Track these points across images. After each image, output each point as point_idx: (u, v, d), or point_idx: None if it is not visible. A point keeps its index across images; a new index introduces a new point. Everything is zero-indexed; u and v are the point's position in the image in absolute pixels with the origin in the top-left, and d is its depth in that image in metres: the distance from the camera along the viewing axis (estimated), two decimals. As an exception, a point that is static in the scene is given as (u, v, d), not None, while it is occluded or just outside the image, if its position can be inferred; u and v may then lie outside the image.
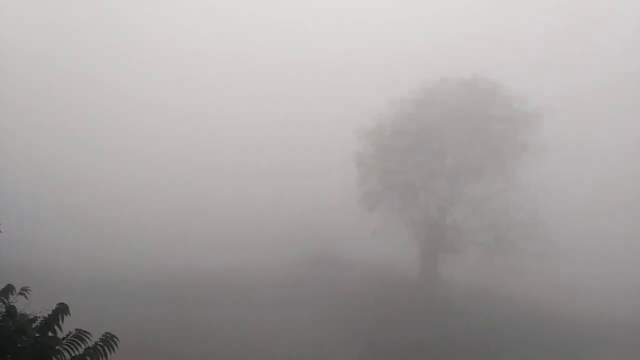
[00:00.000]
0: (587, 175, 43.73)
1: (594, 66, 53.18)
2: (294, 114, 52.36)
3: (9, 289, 11.48)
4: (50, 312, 11.08)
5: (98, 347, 10.93)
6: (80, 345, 10.86)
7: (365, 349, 34.14)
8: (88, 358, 10.75)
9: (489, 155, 39.55)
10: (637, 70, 53.03)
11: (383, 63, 49.78)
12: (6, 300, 11.25)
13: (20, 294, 11.42)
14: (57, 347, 10.66)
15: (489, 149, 39.59)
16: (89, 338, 10.95)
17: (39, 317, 11.01)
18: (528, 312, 37.63)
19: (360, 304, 38.75)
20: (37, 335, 10.82)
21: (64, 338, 10.86)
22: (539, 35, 51.51)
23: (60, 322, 11.03)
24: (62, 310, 11.11)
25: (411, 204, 40.59)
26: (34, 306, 11.11)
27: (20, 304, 11.15)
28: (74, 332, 10.93)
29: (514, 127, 39.39)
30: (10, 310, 10.96)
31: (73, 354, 10.77)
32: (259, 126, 52.91)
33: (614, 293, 38.72)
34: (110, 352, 11.05)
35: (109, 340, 11.06)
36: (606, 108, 51.43)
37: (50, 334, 10.95)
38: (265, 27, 58.21)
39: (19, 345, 10.51)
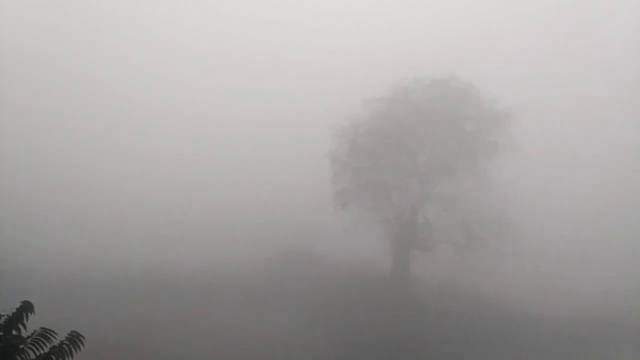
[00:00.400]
0: (558, 175, 44.47)
1: (568, 67, 54.07)
2: (269, 111, 52.46)
3: (-28, 287, 11.26)
4: (14, 310, 10.90)
5: (64, 346, 10.79)
6: (45, 344, 10.71)
7: (337, 345, 34.33)
8: (53, 357, 10.61)
9: (461, 154, 39.98)
10: (611, 71, 54.11)
11: (358, 62, 50.11)
12: (-31, 299, 11.05)
13: (-17, 292, 11.22)
14: (21, 346, 10.51)
15: (460, 148, 40.03)
16: (54, 337, 10.81)
17: (3, 316, 10.83)
18: (497, 310, 38.25)
19: (333, 301, 38.98)
20: (1, 333, 10.64)
21: (28, 337, 10.70)
22: (513, 35, 52.23)
23: (25, 321, 10.86)
24: (26, 308, 10.94)
25: (384, 202, 40.83)
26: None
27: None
28: (39, 330, 10.78)
29: (485, 126, 39.90)
30: (-27, 308, 10.78)
31: (38, 353, 10.62)
32: (233, 123, 52.88)
33: (580, 292, 39.52)
34: (76, 351, 10.92)
35: (75, 339, 10.93)
36: (578, 109, 52.31)
37: (14, 332, 10.77)
38: (240, 24, 58.33)
39: (-18, 344, 10.34)
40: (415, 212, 40.89)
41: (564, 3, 55.12)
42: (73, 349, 10.86)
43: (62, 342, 10.82)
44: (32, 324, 10.89)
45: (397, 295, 40.24)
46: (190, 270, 41.26)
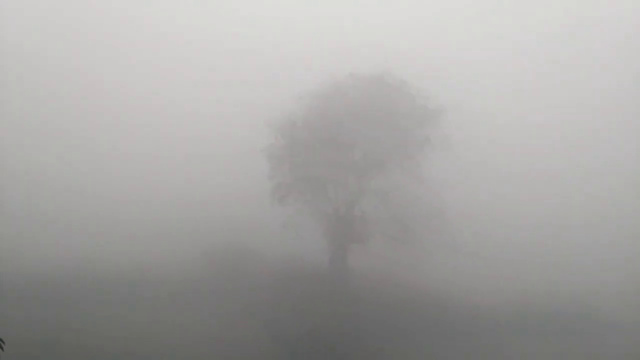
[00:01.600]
0: (490, 170, 46.09)
1: (503, 64, 55.85)
2: (204, 105, 52.13)
3: None
4: None
5: (-18, 350, 10.72)
6: (-38, 349, 10.61)
7: (275, 340, 34.65)
8: (-30, 362, 10.52)
9: (394, 149, 40.90)
10: (546, 67, 56.23)
11: (294, 57, 50.29)
12: None
13: None
14: None
15: (394, 143, 40.94)
16: (-29, 341, 10.72)
17: None
18: (431, 300, 39.38)
19: (270, 296, 39.20)
20: None
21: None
22: (447, 33, 53.51)
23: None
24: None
25: (321, 196, 41.39)
26: None
27: None
28: (-45, 335, 10.66)
29: (417, 122, 40.96)
30: None
31: (-46, 359, 10.52)
32: (169, 117, 52.35)
33: (510, 282, 41.18)
34: (-5, 355, 10.86)
35: (-6, 343, 10.87)
36: (512, 105, 54.22)
37: None
38: (171, 14, 58.06)
39: None
40: (352, 206, 41.63)
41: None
42: (-8, 353, 10.79)
43: (-21, 347, 10.75)
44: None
45: (334, 288, 40.86)
46: (120, 269, 40.52)
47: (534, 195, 49.51)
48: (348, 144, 41.27)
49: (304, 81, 41.75)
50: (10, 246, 41.89)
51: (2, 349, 10.92)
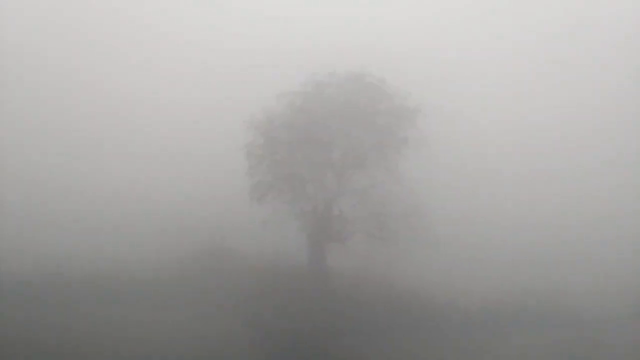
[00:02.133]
0: (467, 168, 45.95)
1: (497, 63, 55.66)
2: (182, 104, 52.43)
3: None
4: None
5: None
6: None
7: (255, 340, 34.70)
8: None
9: (373, 148, 40.90)
10: (545, 66, 55.95)
11: (274, 56, 50.53)
12: None
13: None
14: None
15: (372, 141, 40.93)
16: None
17: None
18: (409, 297, 39.32)
19: (250, 296, 39.19)
20: None
21: None
22: (432, 32, 53.40)
23: None
24: None
25: (300, 195, 41.36)
26: None
27: None
28: None
29: (396, 121, 40.90)
30: None
31: None
32: (148, 115, 52.69)
33: (487, 280, 40.95)
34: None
35: None
36: (510, 105, 53.99)
37: None
38: (152, 8, 58.60)
39: None
40: (331, 204, 41.65)
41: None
42: None
43: None
44: None
45: (314, 287, 40.87)
46: (98, 269, 40.66)
47: (527, 195, 49.30)
48: (327, 143, 41.26)
49: (284, 80, 41.91)
50: (10, 246, 42.37)
51: None
